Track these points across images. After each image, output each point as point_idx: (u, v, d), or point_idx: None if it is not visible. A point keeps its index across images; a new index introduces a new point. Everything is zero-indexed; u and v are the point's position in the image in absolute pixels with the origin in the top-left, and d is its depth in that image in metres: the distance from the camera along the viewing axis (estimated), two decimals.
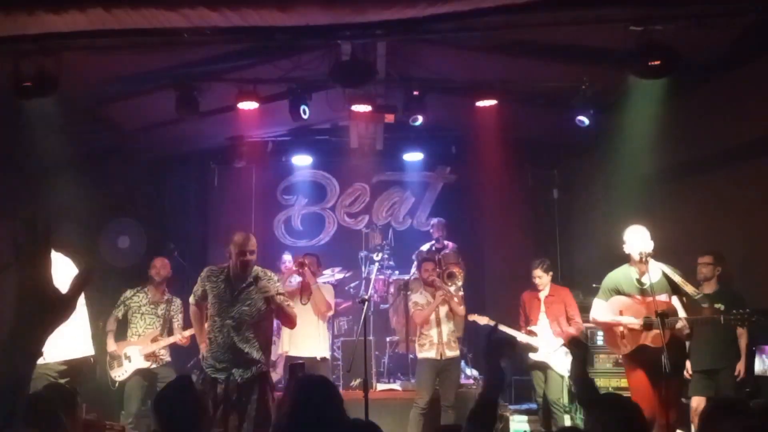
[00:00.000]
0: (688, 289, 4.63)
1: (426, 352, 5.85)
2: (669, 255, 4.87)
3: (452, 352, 5.86)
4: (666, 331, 4.31)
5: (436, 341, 5.82)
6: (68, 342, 4.17)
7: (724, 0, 4.54)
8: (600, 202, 7.55)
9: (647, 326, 4.55)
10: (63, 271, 4.61)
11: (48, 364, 4.13)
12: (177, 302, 5.95)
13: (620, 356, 5.20)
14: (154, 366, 5.72)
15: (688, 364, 5.18)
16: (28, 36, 4.52)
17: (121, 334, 5.85)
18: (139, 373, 5.65)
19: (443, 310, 5.90)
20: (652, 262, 4.63)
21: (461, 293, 7.40)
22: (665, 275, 4.65)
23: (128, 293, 5.91)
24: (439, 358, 5.80)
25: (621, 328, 4.71)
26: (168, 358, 5.91)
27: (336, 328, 7.31)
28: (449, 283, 6.07)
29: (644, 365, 4.61)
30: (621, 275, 4.82)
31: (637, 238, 4.67)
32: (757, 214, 5.35)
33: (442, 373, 5.84)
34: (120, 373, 5.65)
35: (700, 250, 5.35)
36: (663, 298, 4.61)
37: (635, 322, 4.62)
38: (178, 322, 5.87)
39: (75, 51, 4.89)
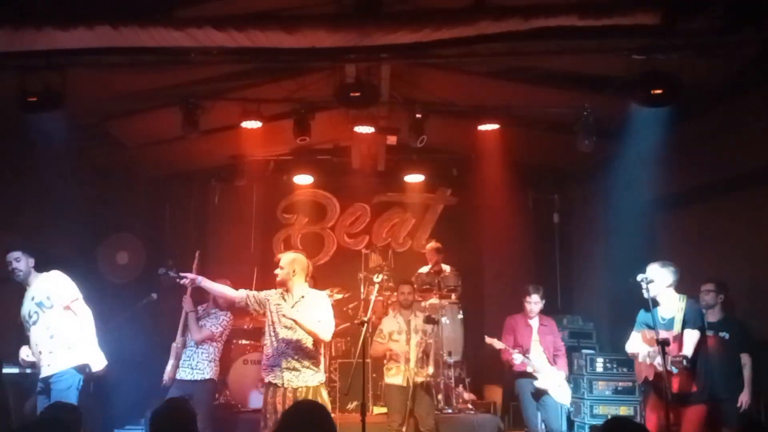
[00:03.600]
0: (676, 327, 4.64)
1: (393, 378, 5.69)
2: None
3: (420, 378, 5.68)
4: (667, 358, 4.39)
5: (403, 368, 5.66)
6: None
7: (725, 32, 4.57)
8: (600, 228, 7.55)
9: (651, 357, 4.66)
10: (58, 283, 4.47)
11: None
12: (218, 315, 5.65)
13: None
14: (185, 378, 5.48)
15: None
16: (35, 52, 4.56)
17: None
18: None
19: (415, 337, 5.75)
20: (671, 295, 4.70)
21: (460, 316, 7.39)
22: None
23: None
24: (406, 384, 5.61)
25: (639, 359, 4.82)
26: (196, 376, 5.42)
27: (333, 349, 7.24)
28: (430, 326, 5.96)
29: (656, 392, 4.70)
30: (643, 308, 4.89)
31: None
32: (762, 242, 5.34)
33: (415, 399, 5.64)
34: None
35: (702, 278, 5.33)
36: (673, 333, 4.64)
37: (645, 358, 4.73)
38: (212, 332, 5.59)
39: (81, 67, 4.93)
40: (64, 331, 4.84)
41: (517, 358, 5.73)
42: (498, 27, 4.31)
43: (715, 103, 5.68)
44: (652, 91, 4.81)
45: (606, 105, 5.91)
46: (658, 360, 4.46)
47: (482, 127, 6.47)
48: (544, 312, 6.06)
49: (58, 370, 4.78)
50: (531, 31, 4.32)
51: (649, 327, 4.72)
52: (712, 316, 5.19)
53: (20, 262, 4.88)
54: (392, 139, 7.14)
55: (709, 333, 4.86)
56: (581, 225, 8.33)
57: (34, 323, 4.84)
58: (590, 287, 8.00)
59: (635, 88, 4.88)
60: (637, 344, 4.86)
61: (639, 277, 4.64)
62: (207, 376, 5.48)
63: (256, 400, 6.57)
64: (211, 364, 5.52)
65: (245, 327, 7.33)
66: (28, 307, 4.89)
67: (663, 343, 4.38)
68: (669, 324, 4.68)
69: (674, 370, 4.47)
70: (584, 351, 6.80)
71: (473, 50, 4.72)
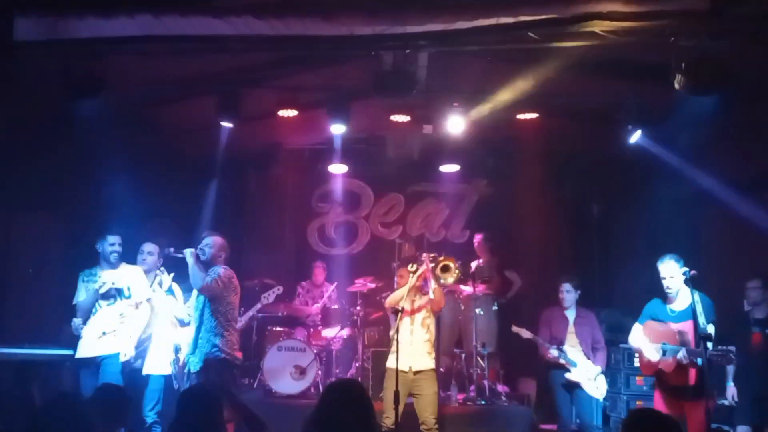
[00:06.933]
0: (700, 320, 4.57)
1: (394, 361, 4.96)
2: (716, 278, 4.78)
3: (423, 365, 5.29)
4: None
5: (408, 349, 5.21)
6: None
7: None
8: (641, 220, 7.38)
9: (663, 352, 4.69)
10: (139, 280, 4.62)
11: None
12: None
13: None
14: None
15: (733, 390, 5.10)
16: (78, 40, 4.65)
17: None
18: None
19: (420, 316, 5.41)
20: (683, 288, 4.71)
21: (495, 308, 7.31)
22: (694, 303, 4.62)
23: None
24: (406, 370, 5.19)
25: (644, 353, 4.88)
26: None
27: (367, 338, 7.26)
28: (443, 277, 5.57)
29: (663, 389, 4.76)
30: (657, 301, 4.94)
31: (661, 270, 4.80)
32: None
33: (414, 390, 5.23)
34: None
35: (748, 274, 5.22)
36: (687, 325, 4.64)
37: (653, 351, 4.76)
38: None
39: (123, 55, 5.01)
40: (134, 320, 5.20)
41: (552, 352, 5.66)
42: (539, 13, 4.22)
43: (764, 91, 5.48)
44: (699, 79, 4.65)
45: (650, 94, 5.76)
46: (682, 354, 4.49)
47: (521, 116, 6.36)
48: (582, 304, 5.96)
49: (111, 352, 5.03)
50: (573, 18, 4.22)
51: (656, 320, 4.79)
52: (759, 313, 5.09)
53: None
54: (428, 128, 7.08)
55: (756, 330, 4.76)
56: (621, 217, 8.14)
57: (109, 304, 5.18)
58: (629, 280, 7.82)
59: (682, 76, 4.72)
60: (639, 337, 4.91)
61: (683, 271, 4.58)
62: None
63: (289, 386, 6.65)
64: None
65: (279, 314, 7.42)
66: (108, 285, 5.21)
67: (705, 339, 4.30)
68: (679, 316, 4.70)
69: (699, 362, 4.45)
70: (622, 345, 6.67)
71: (513, 37, 4.62)
